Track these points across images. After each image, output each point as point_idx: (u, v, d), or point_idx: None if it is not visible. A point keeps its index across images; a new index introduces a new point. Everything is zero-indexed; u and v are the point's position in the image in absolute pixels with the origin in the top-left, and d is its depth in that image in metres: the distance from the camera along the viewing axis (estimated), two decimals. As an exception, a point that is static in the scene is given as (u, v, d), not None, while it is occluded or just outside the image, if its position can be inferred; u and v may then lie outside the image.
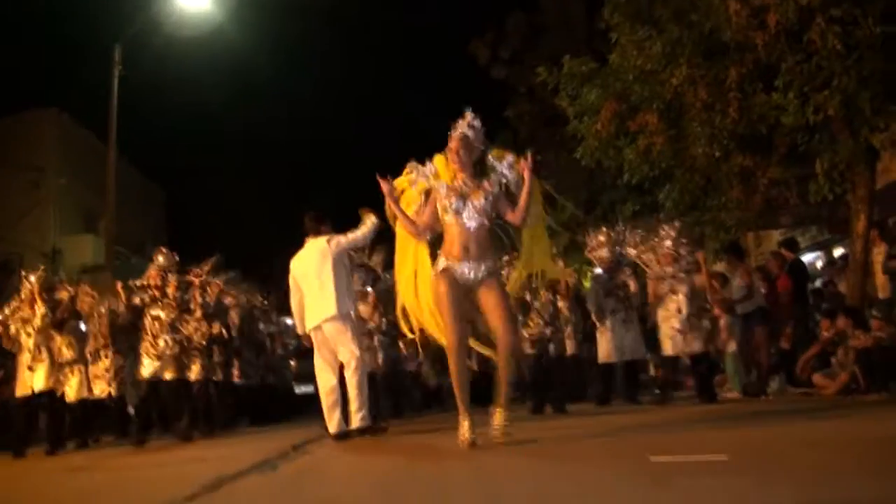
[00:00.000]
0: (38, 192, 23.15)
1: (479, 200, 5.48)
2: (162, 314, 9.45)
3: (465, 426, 5.24)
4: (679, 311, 9.32)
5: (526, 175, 5.49)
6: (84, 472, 6.72)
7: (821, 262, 15.80)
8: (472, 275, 5.42)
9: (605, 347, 10.38)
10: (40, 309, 9.59)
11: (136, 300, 9.66)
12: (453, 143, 5.63)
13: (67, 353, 9.85)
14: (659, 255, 9.69)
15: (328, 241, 7.55)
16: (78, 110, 24.79)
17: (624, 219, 14.97)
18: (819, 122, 9.87)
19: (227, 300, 11.99)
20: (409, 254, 6.02)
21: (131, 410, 10.92)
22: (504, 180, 5.69)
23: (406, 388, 12.91)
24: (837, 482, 2.90)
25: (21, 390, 9.64)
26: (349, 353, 7.40)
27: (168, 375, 9.43)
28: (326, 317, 7.37)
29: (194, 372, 10.04)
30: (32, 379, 9.49)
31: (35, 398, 9.65)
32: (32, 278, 9.75)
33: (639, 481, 3.32)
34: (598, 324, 10.48)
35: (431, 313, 5.78)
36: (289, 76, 48.08)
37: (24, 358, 9.58)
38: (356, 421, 7.26)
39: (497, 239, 5.98)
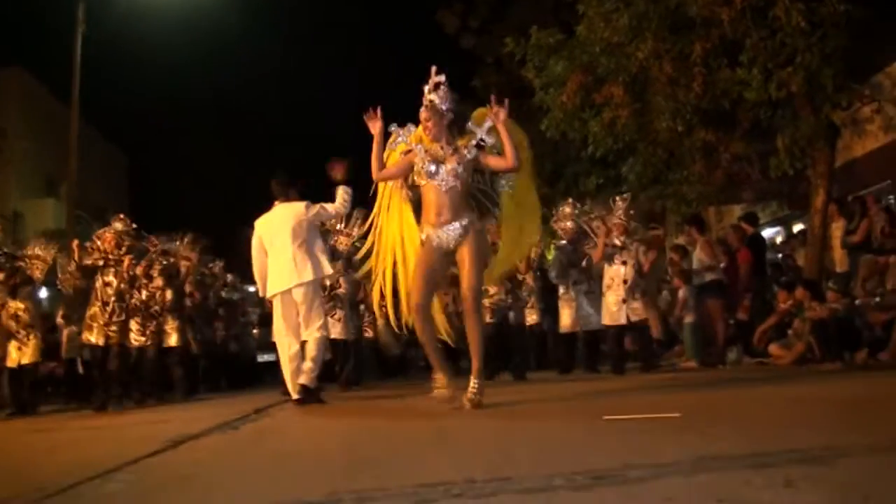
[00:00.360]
0: (0, 155, 22.77)
1: (452, 164, 5.39)
2: (113, 280, 9.39)
3: (439, 381, 5.27)
4: (625, 281, 9.50)
5: (500, 118, 5.37)
6: (48, 433, 6.70)
7: (780, 238, 16.06)
8: (448, 240, 5.36)
9: (567, 317, 10.55)
10: None
11: (89, 261, 9.55)
12: (422, 114, 5.56)
13: (26, 319, 9.69)
14: (609, 224, 9.81)
15: (306, 207, 7.49)
16: (40, 71, 24.35)
17: (587, 192, 15.13)
18: (782, 99, 10.05)
19: (183, 264, 11.81)
20: (395, 215, 5.97)
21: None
22: (483, 144, 5.58)
23: (365, 355, 12.89)
24: (788, 435, 3.00)
25: None
26: (318, 317, 7.40)
27: (113, 342, 9.38)
28: (301, 282, 7.29)
29: (149, 338, 10.02)
30: None
31: None
32: None
33: (591, 437, 3.42)
34: (560, 292, 10.63)
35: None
36: (257, 37, 47.46)
37: None
38: (305, 379, 7.21)
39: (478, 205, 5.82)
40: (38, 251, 10.30)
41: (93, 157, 23.55)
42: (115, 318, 9.31)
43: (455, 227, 5.35)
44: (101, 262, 9.37)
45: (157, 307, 10.37)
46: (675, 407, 4.31)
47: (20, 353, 9.57)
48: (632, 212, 9.88)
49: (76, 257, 9.81)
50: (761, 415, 3.98)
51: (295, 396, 7.20)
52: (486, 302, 9.74)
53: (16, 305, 9.62)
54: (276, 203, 7.63)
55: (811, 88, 9.89)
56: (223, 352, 13.82)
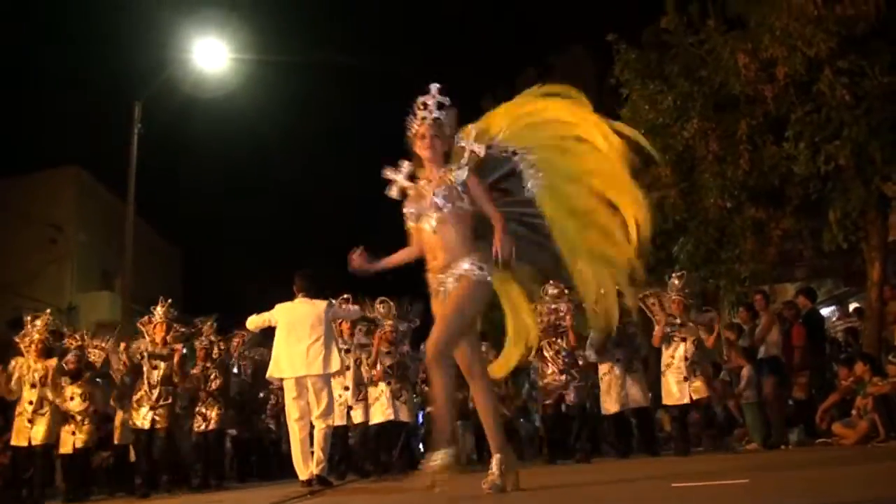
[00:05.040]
0: (56, 248, 23.38)
1: (435, 197, 4.51)
2: (162, 365, 9.50)
3: (434, 459, 4.20)
4: (686, 358, 9.32)
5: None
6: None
7: (836, 317, 15.71)
8: (443, 288, 4.52)
9: (612, 397, 10.22)
10: (46, 362, 9.41)
11: (137, 351, 9.71)
12: (422, 128, 4.63)
13: (80, 404, 9.67)
14: (665, 303, 9.68)
15: (328, 306, 8.01)
16: (96, 167, 25.16)
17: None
18: (830, 172, 9.98)
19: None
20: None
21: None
22: (472, 152, 4.63)
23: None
24: (857, 491, 2.91)
25: (17, 441, 9.40)
26: (326, 407, 7.72)
27: (160, 426, 9.40)
28: (309, 373, 7.63)
29: (211, 421, 10.06)
30: (31, 432, 9.27)
31: (33, 451, 9.40)
32: (38, 322, 9.58)
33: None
34: (601, 372, 10.37)
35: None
36: (311, 132, 48.65)
37: (24, 408, 9.34)
38: (316, 468, 7.53)
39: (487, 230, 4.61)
40: (96, 340, 10.52)
41: (147, 250, 24.08)
42: (161, 402, 9.37)
43: (449, 275, 4.49)
44: (146, 353, 9.52)
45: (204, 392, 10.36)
46: (743, 474, 4.20)
47: (74, 438, 9.57)
48: (687, 290, 9.76)
49: (125, 361, 10.01)
50: (832, 475, 3.85)
51: (304, 478, 7.45)
52: (541, 382, 9.69)
53: (72, 390, 9.65)
54: (299, 297, 7.99)
55: (859, 161, 9.83)
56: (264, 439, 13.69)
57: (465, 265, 4.44)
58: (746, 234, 11.59)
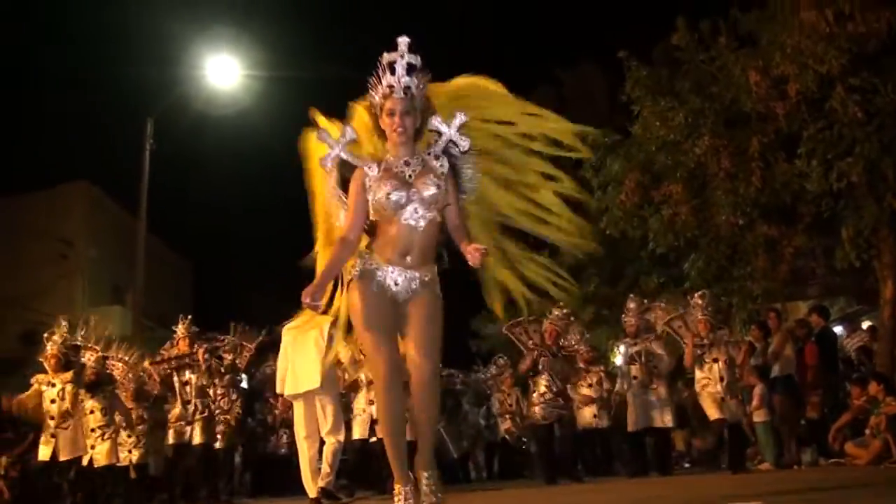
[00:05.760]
0: (67, 263, 23.43)
1: (427, 189, 3.87)
2: (193, 378, 9.52)
3: (399, 497, 3.82)
4: (721, 378, 8.96)
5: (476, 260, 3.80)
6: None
7: (848, 335, 15.59)
8: (402, 287, 3.91)
9: (630, 415, 10.17)
10: (66, 376, 9.35)
11: (164, 369, 9.74)
12: (389, 102, 3.87)
13: (100, 418, 9.65)
14: (691, 323, 9.49)
15: (332, 323, 7.87)
16: (107, 183, 25.26)
17: (649, 291, 14.97)
18: (843, 190, 9.93)
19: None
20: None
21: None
22: (455, 150, 4.02)
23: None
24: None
25: (42, 457, 9.33)
26: (334, 422, 7.66)
27: (197, 440, 9.49)
28: (314, 388, 7.55)
29: (220, 439, 10.03)
30: (55, 446, 9.19)
31: (57, 466, 9.37)
32: (56, 337, 9.51)
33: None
34: (620, 390, 10.36)
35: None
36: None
37: (47, 423, 9.27)
38: (323, 483, 7.51)
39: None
40: (120, 353, 10.35)
41: (158, 265, 24.11)
42: (197, 416, 9.39)
43: (415, 277, 3.91)
44: (175, 366, 9.57)
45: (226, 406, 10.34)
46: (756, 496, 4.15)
47: (92, 452, 9.55)
48: (710, 308, 9.44)
49: (155, 376, 10.07)
50: (843, 497, 3.79)
51: (312, 496, 7.41)
52: (537, 399, 9.66)
53: (92, 404, 9.62)
54: (304, 313, 7.92)
55: (872, 178, 9.79)
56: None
57: (429, 269, 3.96)
58: (758, 251, 11.52)
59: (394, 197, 3.81)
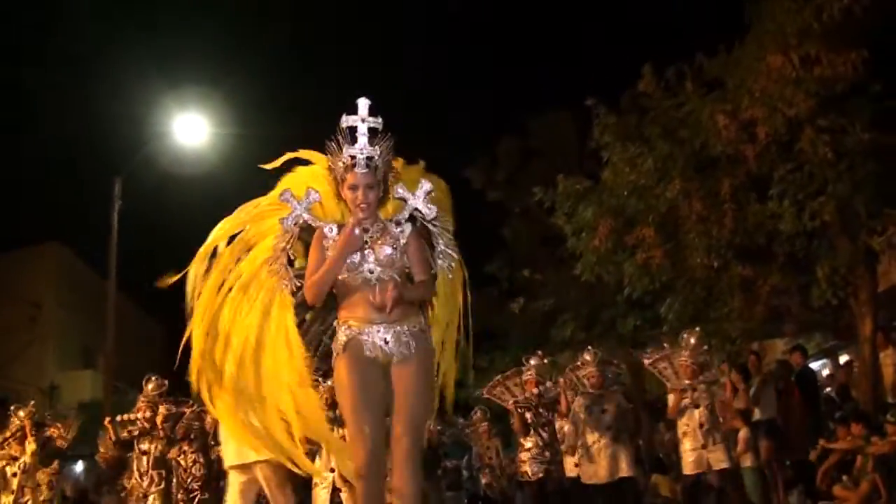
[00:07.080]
0: (36, 327, 23.06)
1: (383, 250, 3.78)
2: (151, 448, 9.10)
3: None
4: (701, 425, 8.68)
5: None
6: None
7: (827, 371, 15.60)
8: (392, 345, 3.73)
9: (602, 468, 9.64)
10: (30, 445, 9.13)
11: (125, 434, 9.31)
12: (352, 178, 3.74)
13: (46, 493, 9.32)
14: (676, 365, 9.22)
15: None
16: (77, 244, 25.01)
17: (625, 335, 14.91)
18: (816, 229, 9.98)
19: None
20: (258, 303, 4.03)
21: None
22: (420, 216, 3.99)
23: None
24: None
25: None
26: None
27: None
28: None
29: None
30: None
31: None
32: (21, 413, 9.33)
33: None
34: (589, 442, 9.87)
35: (285, 410, 3.97)
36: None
37: (7, 499, 9.05)
38: None
39: None
40: (59, 423, 10.01)
41: (129, 327, 23.78)
42: (153, 489, 9.00)
43: (403, 330, 3.75)
44: (136, 433, 9.14)
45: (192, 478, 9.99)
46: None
47: None
48: (705, 346, 9.16)
49: (111, 434, 9.60)
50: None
51: None
52: (524, 456, 9.42)
53: (42, 476, 9.31)
54: None
55: (844, 217, 9.86)
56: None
57: (414, 324, 3.80)
58: (734, 292, 11.49)
59: (348, 258, 3.74)
